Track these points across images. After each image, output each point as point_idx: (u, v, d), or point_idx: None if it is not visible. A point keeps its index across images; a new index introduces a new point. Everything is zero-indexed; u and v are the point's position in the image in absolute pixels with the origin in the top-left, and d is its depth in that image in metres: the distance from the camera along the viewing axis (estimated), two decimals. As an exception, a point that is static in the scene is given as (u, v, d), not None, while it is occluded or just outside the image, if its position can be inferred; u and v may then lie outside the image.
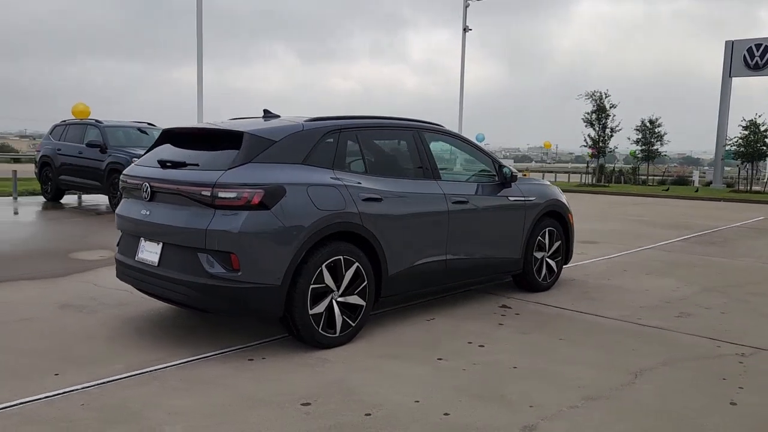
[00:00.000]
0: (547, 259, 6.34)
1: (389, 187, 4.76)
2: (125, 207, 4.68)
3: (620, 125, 30.70)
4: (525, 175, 7.99)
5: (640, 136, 35.50)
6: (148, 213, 4.37)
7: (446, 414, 3.37)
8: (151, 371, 3.88)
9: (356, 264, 4.47)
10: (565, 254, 6.60)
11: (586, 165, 35.20)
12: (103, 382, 3.68)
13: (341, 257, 4.38)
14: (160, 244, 4.29)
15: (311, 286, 4.21)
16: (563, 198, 6.57)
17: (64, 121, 14.79)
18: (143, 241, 4.46)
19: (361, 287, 4.52)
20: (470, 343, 4.62)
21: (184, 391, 3.58)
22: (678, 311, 5.69)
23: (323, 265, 4.27)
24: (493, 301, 5.89)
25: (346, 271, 4.41)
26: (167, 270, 4.22)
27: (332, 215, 4.30)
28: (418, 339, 4.67)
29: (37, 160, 14.63)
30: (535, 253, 6.15)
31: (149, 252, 4.37)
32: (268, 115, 4.94)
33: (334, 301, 4.38)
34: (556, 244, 6.41)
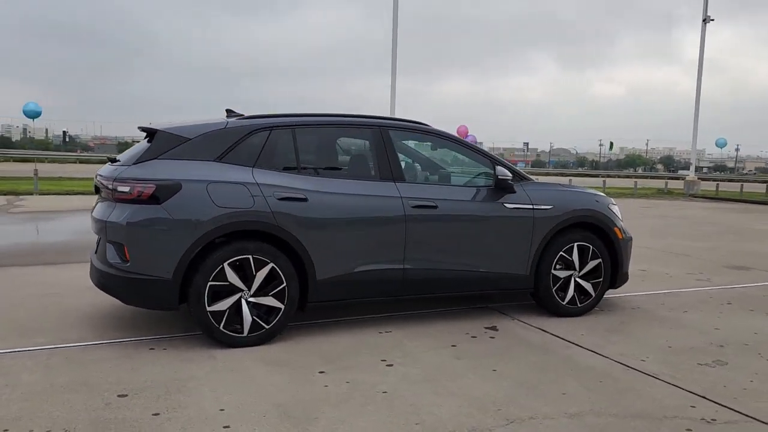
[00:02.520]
0: (578, 280, 5.41)
1: (320, 187, 4.53)
2: None
3: None
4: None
5: None
6: (94, 207, 4.76)
7: (226, 427, 3.14)
8: (53, 348, 4.24)
9: (270, 265, 4.34)
10: (610, 276, 5.56)
11: None
12: (6, 352, 4.14)
13: (250, 256, 4.29)
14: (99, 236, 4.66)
15: (209, 283, 4.21)
16: (606, 209, 5.54)
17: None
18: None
19: (278, 289, 4.39)
20: (383, 360, 4.19)
21: (49, 369, 3.85)
22: (715, 358, 4.45)
23: (225, 263, 4.24)
24: (489, 320, 5.22)
25: (257, 271, 4.32)
26: (95, 258, 4.57)
27: (234, 213, 4.25)
28: (336, 349, 4.37)
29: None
30: (555, 272, 5.29)
31: (96, 242, 4.77)
32: (231, 114, 5.04)
33: (243, 301, 4.32)
34: (592, 263, 5.43)
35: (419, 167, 5.34)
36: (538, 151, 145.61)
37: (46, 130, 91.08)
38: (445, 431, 3.16)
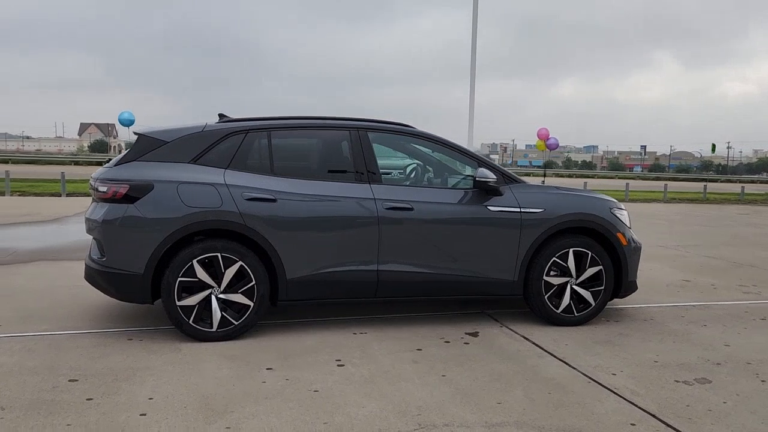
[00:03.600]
0: (575, 287, 5.15)
1: (290, 188, 4.62)
2: None
3: None
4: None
5: None
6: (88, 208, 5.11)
7: (143, 414, 3.31)
8: (46, 334, 4.62)
9: (239, 263, 4.49)
10: (614, 284, 5.25)
11: None
12: (2, 336, 4.56)
13: (219, 254, 4.47)
14: None
15: (179, 279, 4.42)
16: (608, 213, 5.23)
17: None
18: None
19: (247, 287, 4.53)
20: (337, 360, 4.22)
21: (28, 353, 4.20)
22: (701, 376, 4.12)
23: (194, 261, 4.43)
24: (474, 325, 5.09)
25: (226, 269, 4.49)
26: (87, 255, 4.91)
27: (202, 212, 4.43)
28: (298, 348, 4.44)
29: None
30: (548, 278, 5.08)
31: None
32: (223, 119, 5.24)
33: (213, 297, 4.50)
34: (591, 270, 5.15)
35: (401, 169, 5.31)
36: (657, 154, 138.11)
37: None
38: (349, 432, 3.15)
